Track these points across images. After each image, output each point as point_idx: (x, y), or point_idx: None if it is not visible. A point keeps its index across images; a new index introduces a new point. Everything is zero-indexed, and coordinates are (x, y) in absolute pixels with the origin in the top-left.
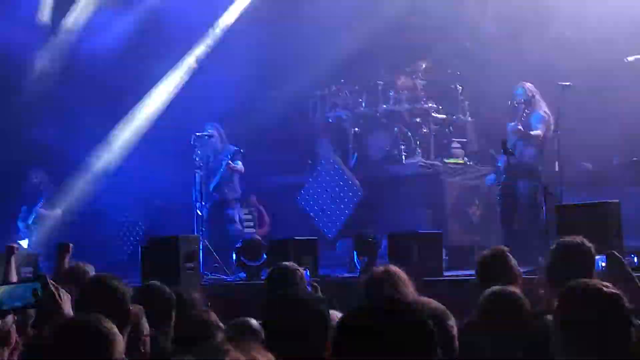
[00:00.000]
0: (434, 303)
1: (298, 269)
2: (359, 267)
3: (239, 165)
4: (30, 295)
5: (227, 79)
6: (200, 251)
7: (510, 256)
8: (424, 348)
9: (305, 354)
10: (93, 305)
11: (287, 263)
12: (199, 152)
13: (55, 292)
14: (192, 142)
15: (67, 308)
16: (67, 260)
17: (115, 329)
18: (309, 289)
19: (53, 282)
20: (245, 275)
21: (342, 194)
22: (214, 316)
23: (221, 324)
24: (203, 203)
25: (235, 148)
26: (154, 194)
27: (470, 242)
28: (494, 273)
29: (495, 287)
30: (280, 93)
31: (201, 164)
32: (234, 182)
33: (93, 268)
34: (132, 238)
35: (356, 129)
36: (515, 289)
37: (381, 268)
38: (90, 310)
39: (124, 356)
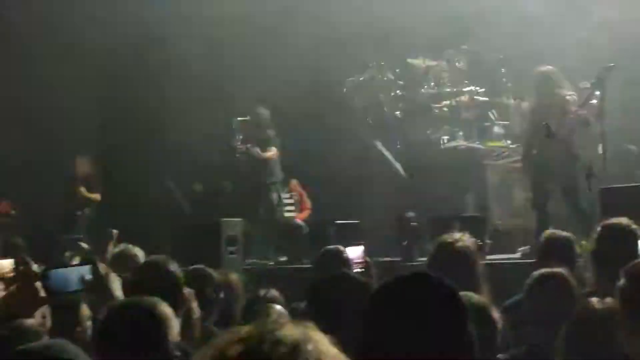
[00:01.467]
0: (474, 297)
1: (345, 252)
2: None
3: (273, 151)
4: (80, 279)
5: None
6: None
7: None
8: (453, 320)
9: (346, 335)
10: (148, 289)
11: (335, 246)
12: (240, 137)
13: (105, 276)
14: (233, 127)
15: (117, 291)
16: (110, 246)
17: (170, 312)
18: (362, 268)
19: (104, 265)
20: (286, 258)
21: (383, 178)
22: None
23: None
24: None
25: (271, 134)
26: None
27: (513, 225)
28: (555, 257)
29: (544, 269)
30: (315, 76)
31: (242, 149)
32: (270, 166)
33: (142, 251)
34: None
35: (397, 113)
36: (563, 270)
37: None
38: (144, 293)
39: (178, 339)
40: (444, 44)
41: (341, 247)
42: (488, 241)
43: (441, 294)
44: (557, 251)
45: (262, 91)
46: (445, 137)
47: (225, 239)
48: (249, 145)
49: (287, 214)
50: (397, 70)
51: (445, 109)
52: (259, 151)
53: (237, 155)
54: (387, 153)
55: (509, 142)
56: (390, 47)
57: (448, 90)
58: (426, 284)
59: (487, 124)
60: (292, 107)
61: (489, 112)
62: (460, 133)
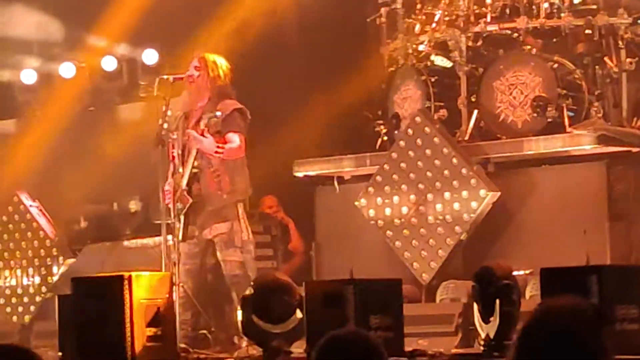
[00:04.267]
0: None
1: (372, 341)
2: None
3: (236, 142)
4: None
5: None
6: (175, 304)
7: None
8: None
9: None
10: None
11: (348, 331)
12: (169, 112)
13: None
14: (155, 93)
15: None
16: None
17: None
18: None
19: None
20: (261, 348)
21: (446, 195)
22: None
23: None
24: (175, 213)
25: (235, 107)
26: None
27: None
28: None
29: None
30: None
31: (173, 137)
32: (231, 172)
33: None
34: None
35: (473, 66)
36: None
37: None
38: None
39: None
40: None
41: (364, 332)
42: None
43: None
44: None
45: None
46: (569, 115)
47: (144, 312)
48: (188, 131)
49: (258, 264)
50: None
51: (568, 59)
52: (210, 141)
53: (165, 146)
54: (452, 144)
55: None
56: None
57: (574, 23)
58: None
59: None
60: None
61: None
62: (597, 107)
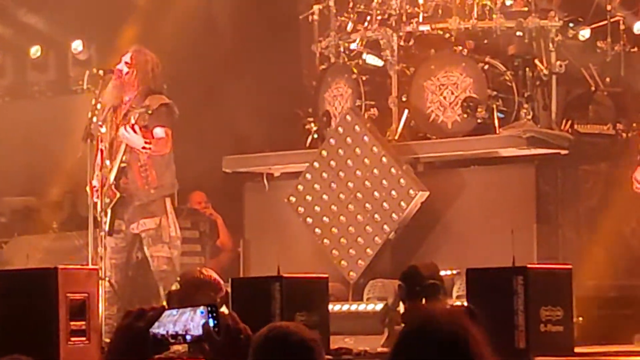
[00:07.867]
0: None
1: (309, 341)
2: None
3: (162, 136)
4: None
5: None
6: (100, 299)
7: None
8: None
9: None
10: None
11: (283, 328)
12: (99, 105)
13: None
14: (85, 86)
15: None
16: None
17: None
18: None
19: None
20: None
21: (375, 194)
22: None
23: None
24: (102, 207)
25: (163, 102)
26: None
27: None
28: None
29: None
30: None
31: (102, 131)
32: (158, 167)
33: None
34: None
35: (404, 66)
36: None
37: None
38: None
39: None
40: None
41: (293, 327)
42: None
43: None
44: None
45: None
46: (498, 116)
47: (69, 306)
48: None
49: (185, 259)
50: None
51: (500, 61)
52: (138, 137)
53: (94, 140)
54: (382, 144)
55: (620, 127)
56: None
57: (507, 24)
58: None
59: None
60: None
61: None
62: (527, 109)
